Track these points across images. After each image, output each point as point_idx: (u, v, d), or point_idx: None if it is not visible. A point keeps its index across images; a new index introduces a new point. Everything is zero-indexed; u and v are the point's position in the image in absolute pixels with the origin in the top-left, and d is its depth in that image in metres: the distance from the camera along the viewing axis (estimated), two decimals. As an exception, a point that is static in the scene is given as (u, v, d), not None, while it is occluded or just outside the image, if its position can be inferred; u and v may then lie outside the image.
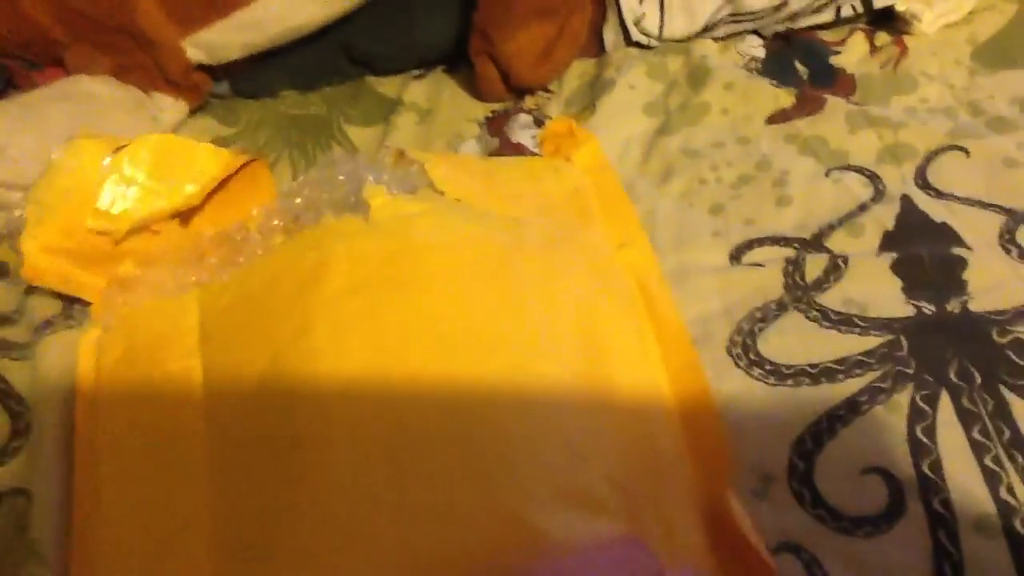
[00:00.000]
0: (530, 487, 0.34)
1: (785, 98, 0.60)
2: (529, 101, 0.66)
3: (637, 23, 0.67)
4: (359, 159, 0.49)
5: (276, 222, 0.46)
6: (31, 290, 0.52)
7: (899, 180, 0.53)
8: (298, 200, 0.47)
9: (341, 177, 0.46)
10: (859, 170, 0.53)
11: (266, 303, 0.42)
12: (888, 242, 0.49)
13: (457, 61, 0.69)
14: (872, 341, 0.44)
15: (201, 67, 0.67)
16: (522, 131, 0.62)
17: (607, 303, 0.44)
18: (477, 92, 0.66)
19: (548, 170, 0.52)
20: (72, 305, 0.51)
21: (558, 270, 0.44)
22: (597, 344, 0.41)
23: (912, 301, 0.45)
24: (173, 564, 0.36)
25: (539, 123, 0.63)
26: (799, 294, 0.46)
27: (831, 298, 0.46)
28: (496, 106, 0.66)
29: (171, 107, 0.67)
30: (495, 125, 0.63)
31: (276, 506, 0.35)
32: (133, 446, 0.40)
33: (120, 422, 0.41)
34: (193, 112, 0.69)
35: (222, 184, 0.50)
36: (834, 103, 0.58)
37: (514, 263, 0.42)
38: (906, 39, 0.64)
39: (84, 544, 0.38)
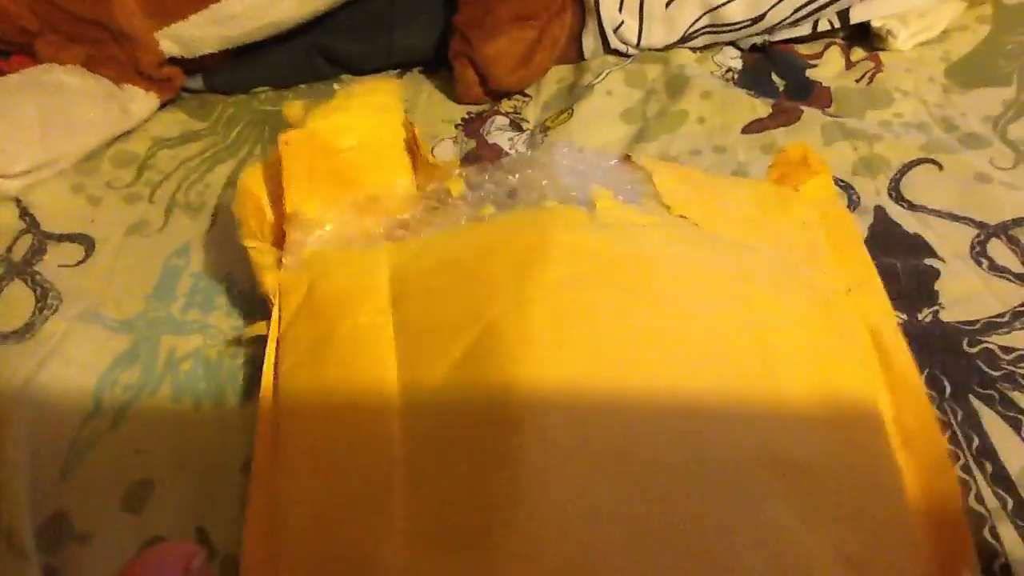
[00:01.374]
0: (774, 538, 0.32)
1: (761, 108, 0.60)
2: (506, 104, 0.65)
3: (616, 31, 0.67)
4: (587, 154, 0.47)
5: (485, 192, 0.44)
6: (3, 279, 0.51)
7: (873, 192, 0.53)
8: (515, 176, 0.45)
9: (565, 163, 0.45)
10: (834, 181, 0.53)
11: (477, 273, 0.39)
12: (863, 252, 0.49)
13: (434, 63, 0.69)
14: (846, 350, 0.43)
15: (175, 61, 0.66)
16: (499, 133, 0.62)
17: (839, 350, 0.41)
18: (454, 94, 0.66)
19: (777, 198, 0.49)
20: (47, 297, 0.50)
21: (789, 306, 0.41)
22: (832, 394, 0.38)
23: (886, 310, 0.45)
24: (362, 519, 0.34)
25: (516, 126, 0.63)
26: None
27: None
28: (473, 108, 0.65)
29: (142, 99, 0.66)
30: (472, 127, 0.63)
31: (488, 491, 0.32)
32: (316, 401, 0.38)
33: (302, 374, 0.39)
34: (164, 106, 0.68)
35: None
36: (810, 114, 0.59)
37: (744, 293, 0.40)
38: (881, 55, 0.65)
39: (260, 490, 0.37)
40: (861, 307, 0.44)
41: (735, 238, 0.45)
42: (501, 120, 0.63)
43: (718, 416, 0.35)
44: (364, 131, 0.46)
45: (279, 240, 0.46)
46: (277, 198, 0.46)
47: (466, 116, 0.65)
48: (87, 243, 0.55)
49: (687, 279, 0.41)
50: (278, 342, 0.41)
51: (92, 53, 0.64)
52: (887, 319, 0.44)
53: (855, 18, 0.65)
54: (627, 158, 0.49)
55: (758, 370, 0.37)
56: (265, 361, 0.40)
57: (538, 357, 0.35)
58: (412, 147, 0.48)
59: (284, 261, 0.43)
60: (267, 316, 0.44)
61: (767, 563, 0.31)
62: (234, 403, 0.45)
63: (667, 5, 0.66)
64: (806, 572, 0.31)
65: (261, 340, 0.44)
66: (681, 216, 0.46)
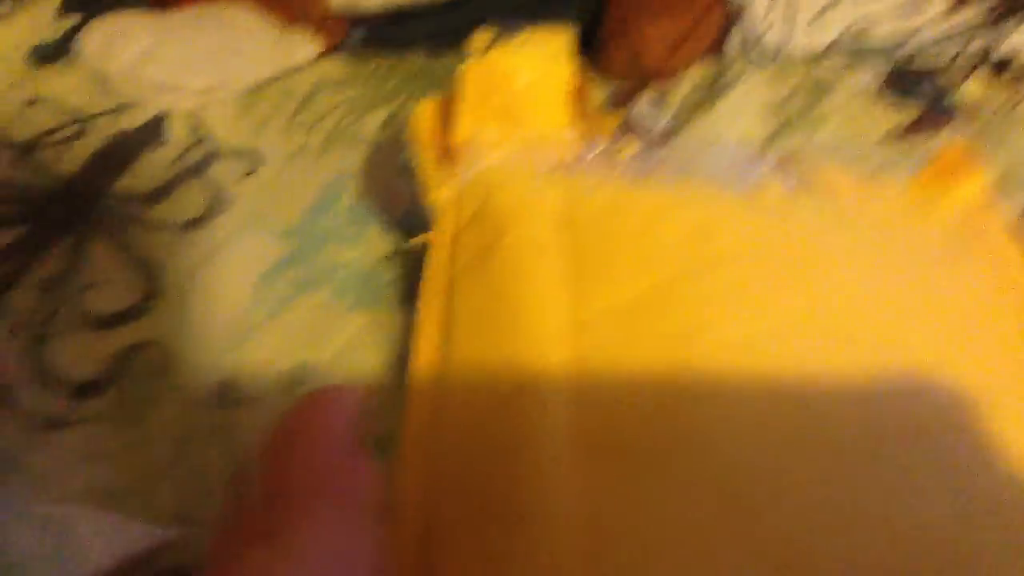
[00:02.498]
0: None
1: (905, 116, 0.62)
2: (650, 89, 0.68)
3: (760, 38, 0.69)
4: (750, 149, 0.50)
5: (654, 161, 0.47)
6: (177, 180, 0.55)
7: (1012, 210, 0.54)
8: (680, 153, 0.48)
9: (731, 151, 0.48)
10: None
11: (648, 229, 0.41)
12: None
13: (584, 43, 0.72)
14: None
15: (342, 15, 0.70)
16: (642, 111, 0.65)
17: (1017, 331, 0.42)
18: (602, 71, 0.69)
19: (929, 198, 0.50)
20: (219, 197, 0.54)
21: (965, 283, 0.43)
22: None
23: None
24: (522, 418, 0.35)
25: (659, 108, 0.66)
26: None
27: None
28: (617, 86, 0.68)
29: (306, 44, 0.69)
30: (620, 98, 0.66)
31: (666, 419, 0.34)
32: (480, 297, 0.40)
33: (469, 276, 0.41)
34: (324, 54, 0.72)
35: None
36: (953, 127, 0.60)
37: (922, 274, 0.43)
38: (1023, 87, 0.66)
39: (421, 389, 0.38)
40: (1018, 302, 0.45)
41: (897, 227, 0.47)
42: (645, 101, 0.66)
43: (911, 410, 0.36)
44: (538, 73, 0.49)
45: (448, 169, 0.49)
46: (445, 133, 0.49)
47: (611, 92, 0.67)
48: (254, 158, 0.59)
49: (855, 259, 0.42)
50: (450, 248, 0.43)
51: (266, -4, 0.69)
52: None
53: (1004, 48, 0.66)
54: (789, 156, 0.52)
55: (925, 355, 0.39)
56: (431, 263, 0.43)
57: (714, 321, 0.37)
58: (578, 97, 0.51)
59: (456, 177, 0.46)
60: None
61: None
62: (390, 308, 0.48)
63: (812, 20, 0.68)
64: None
65: (416, 257, 0.47)
66: (844, 208, 0.48)
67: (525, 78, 0.50)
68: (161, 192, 0.55)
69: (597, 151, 0.49)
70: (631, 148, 0.49)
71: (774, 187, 0.46)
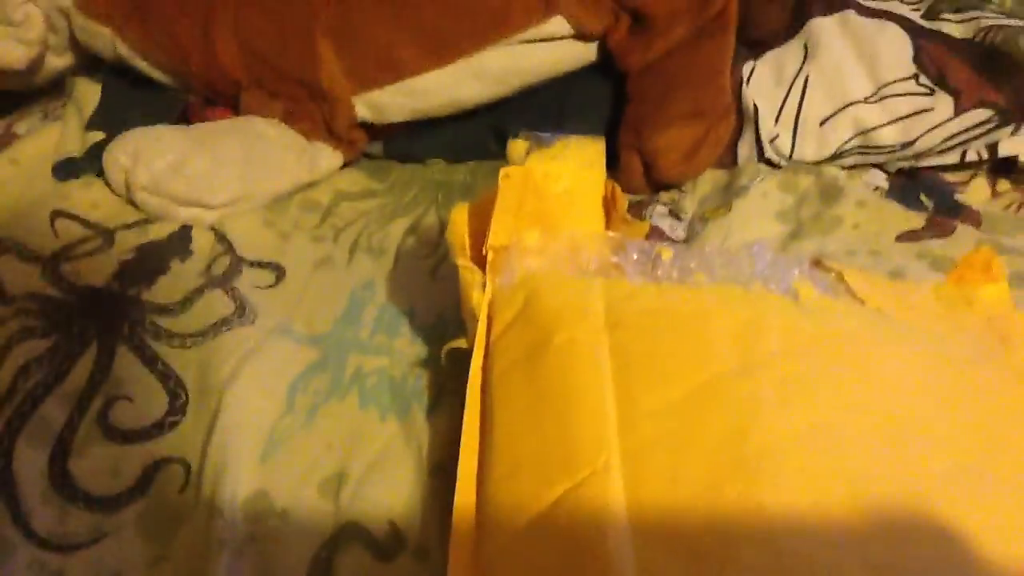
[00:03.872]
0: None
1: (915, 220, 0.63)
2: (664, 196, 0.70)
3: (771, 142, 0.71)
4: (781, 255, 0.51)
5: (693, 264, 0.47)
6: (201, 291, 0.56)
7: (1027, 303, 0.55)
8: (719, 257, 0.48)
9: (767, 258, 0.48)
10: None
11: (695, 328, 0.42)
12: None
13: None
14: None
15: (362, 125, 0.72)
16: (659, 219, 0.66)
17: None
18: (617, 182, 0.70)
19: (959, 297, 0.51)
20: (245, 308, 0.54)
21: (991, 384, 0.44)
22: None
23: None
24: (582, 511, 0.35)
25: (674, 215, 0.67)
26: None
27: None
28: (633, 197, 0.70)
29: (329, 156, 0.71)
30: (633, 212, 0.67)
31: (722, 514, 0.34)
32: (530, 402, 0.40)
33: (516, 376, 0.41)
34: (345, 165, 0.73)
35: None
36: (964, 229, 0.62)
37: (951, 375, 0.43)
38: (1027, 189, 0.68)
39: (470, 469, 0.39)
40: None
41: (927, 328, 0.48)
42: (661, 208, 0.68)
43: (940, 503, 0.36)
44: (573, 180, 0.50)
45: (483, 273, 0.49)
46: (479, 237, 0.50)
47: (628, 203, 0.69)
48: (279, 270, 0.59)
49: (892, 358, 0.43)
50: (487, 350, 0.43)
51: (290, 109, 0.70)
52: None
53: (1003, 151, 0.68)
54: (817, 261, 0.52)
55: (968, 458, 0.39)
56: (472, 362, 0.42)
57: (767, 416, 0.37)
58: (608, 204, 0.52)
59: (496, 281, 0.46)
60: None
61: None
62: (421, 416, 0.47)
63: (821, 123, 0.70)
64: None
65: (445, 366, 0.47)
66: (877, 309, 0.48)
67: (563, 184, 0.51)
68: (186, 303, 0.55)
69: (634, 256, 0.49)
70: (668, 253, 0.50)
71: (809, 288, 0.47)
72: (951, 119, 0.69)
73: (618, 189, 0.52)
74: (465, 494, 0.38)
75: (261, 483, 0.43)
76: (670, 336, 0.42)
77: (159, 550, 0.41)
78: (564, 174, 0.50)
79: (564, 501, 0.35)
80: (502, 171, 0.49)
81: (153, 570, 0.40)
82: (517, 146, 0.52)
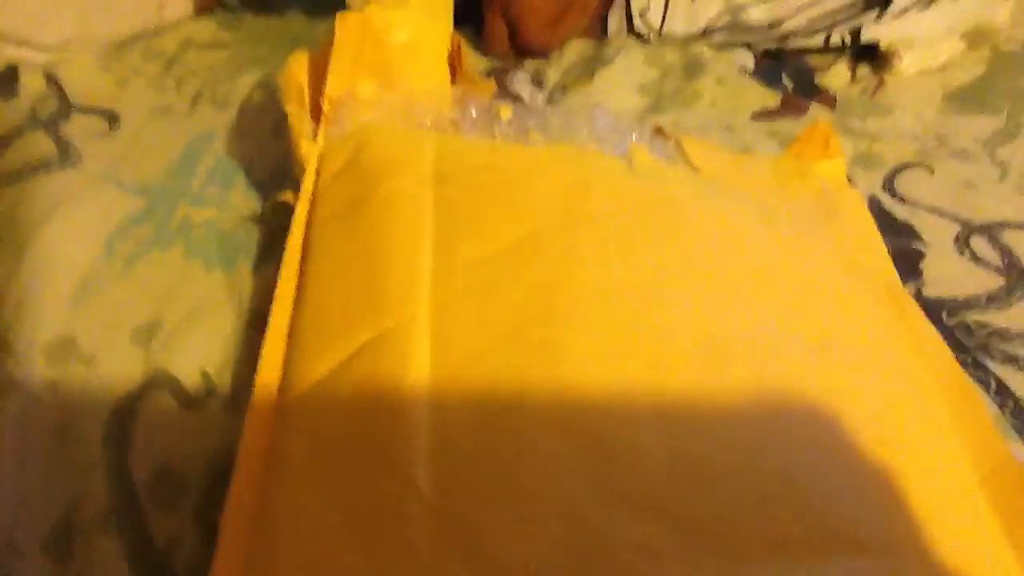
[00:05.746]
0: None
1: (771, 99, 0.64)
2: (528, 65, 0.68)
3: (642, 14, 0.70)
4: (621, 120, 0.50)
5: (531, 123, 0.46)
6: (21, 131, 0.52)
7: (868, 183, 0.56)
8: (556, 118, 0.47)
9: (603, 120, 0.47)
10: (834, 170, 0.57)
11: (523, 185, 0.41)
12: (856, 234, 0.52)
13: (463, 17, 0.71)
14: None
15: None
16: (521, 86, 0.64)
17: (866, 300, 0.43)
18: (482, 47, 0.68)
19: (795, 170, 0.52)
20: (68, 152, 0.51)
21: (812, 255, 0.44)
22: (861, 342, 0.40)
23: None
24: (385, 358, 0.34)
25: (536, 83, 0.65)
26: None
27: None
28: (497, 63, 0.68)
29: (178, 2, 0.67)
30: (496, 78, 0.65)
31: (524, 354, 0.34)
32: (347, 251, 0.39)
33: (336, 226, 0.40)
34: (198, 13, 0.69)
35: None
36: (816, 110, 0.62)
37: (770, 241, 0.43)
38: (885, 76, 0.69)
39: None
40: (876, 266, 0.47)
41: (758, 198, 0.48)
42: (523, 75, 0.66)
43: (747, 360, 0.37)
44: (416, 31, 0.48)
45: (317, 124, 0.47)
46: (318, 87, 0.48)
47: (490, 68, 0.67)
48: (111, 118, 0.56)
49: (715, 226, 0.43)
50: (312, 200, 0.42)
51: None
52: (895, 280, 0.47)
53: (866, 37, 0.69)
54: (659, 129, 0.52)
55: (789, 315, 0.39)
56: (296, 212, 0.41)
57: (582, 270, 0.37)
58: (454, 60, 0.50)
59: (327, 131, 0.45)
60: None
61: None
62: (246, 269, 0.46)
63: (688, 2, 0.70)
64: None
65: (276, 220, 0.45)
66: (711, 178, 0.48)
67: (403, 34, 0.49)
68: (3, 142, 0.51)
69: (473, 113, 0.48)
70: (507, 112, 0.49)
71: (644, 153, 0.46)
72: (818, 2, 0.69)
73: (464, 46, 0.50)
74: (273, 345, 0.37)
75: (68, 328, 0.41)
76: (496, 192, 0.41)
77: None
78: (406, 24, 0.48)
79: (365, 351, 0.35)
80: (339, 15, 0.46)
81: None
82: None
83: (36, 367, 0.39)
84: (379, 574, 0.29)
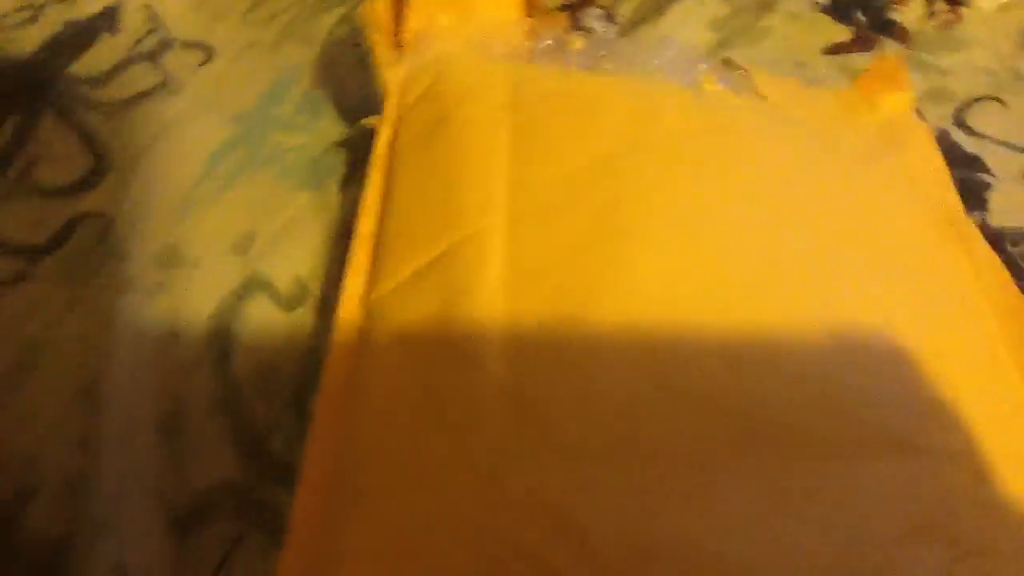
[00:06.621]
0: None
1: (843, 34, 0.64)
2: (603, 0, 0.69)
3: (714, -49, 0.71)
4: (693, 52, 0.52)
5: (602, 53, 0.48)
6: (127, 64, 0.56)
7: (937, 118, 0.57)
8: (627, 48, 0.49)
9: (674, 51, 0.49)
10: (904, 103, 0.57)
11: (594, 110, 0.43)
12: (923, 164, 0.53)
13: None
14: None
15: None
16: (593, 20, 0.66)
17: (927, 226, 0.45)
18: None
19: (862, 102, 0.53)
20: (170, 82, 0.55)
21: (874, 182, 0.46)
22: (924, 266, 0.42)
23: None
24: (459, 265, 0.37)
25: (610, 17, 0.67)
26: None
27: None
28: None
29: (266, -58, 0.70)
30: (569, 13, 0.67)
31: (595, 263, 0.36)
32: (425, 165, 0.42)
33: (416, 149, 0.43)
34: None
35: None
36: (888, 45, 0.63)
37: (836, 169, 0.45)
38: (963, 11, 0.68)
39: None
40: (940, 195, 0.48)
41: (824, 128, 0.49)
42: (595, 10, 0.67)
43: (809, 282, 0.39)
44: None
45: (399, 54, 0.50)
46: (399, 20, 0.50)
47: (563, 3, 0.69)
48: (207, 50, 0.59)
49: (781, 152, 0.44)
50: (395, 124, 0.45)
51: None
52: (960, 210, 0.48)
53: (942, -28, 0.68)
54: (727, 60, 0.53)
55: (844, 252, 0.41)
56: (380, 135, 0.44)
57: (648, 191, 0.39)
58: None
59: (408, 60, 0.47)
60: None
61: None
62: (334, 188, 0.49)
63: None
64: None
65: (361, 144, 0.48)
66: (778, 106, 0.50)
67: None
68: (112, 74, 0.55)
69: (546, 44, 0.50)
70: (579, 43, 0.51)
71: (712, 82, 0.48)
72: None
73: (538, -22, 0.52)
74: (360, 252, 0.40)
75: (174, 238, 0.45)
76: (568, 116, 0.43)
77: (74, 292, 0.44)
78: None
79: (444, 256, 0.38)
80: None
81: (67, 312, 0.43)
82: None
83: (149, 271, 0.43)
84: (456, 450, 0.32)
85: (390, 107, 0.46)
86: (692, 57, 0.50)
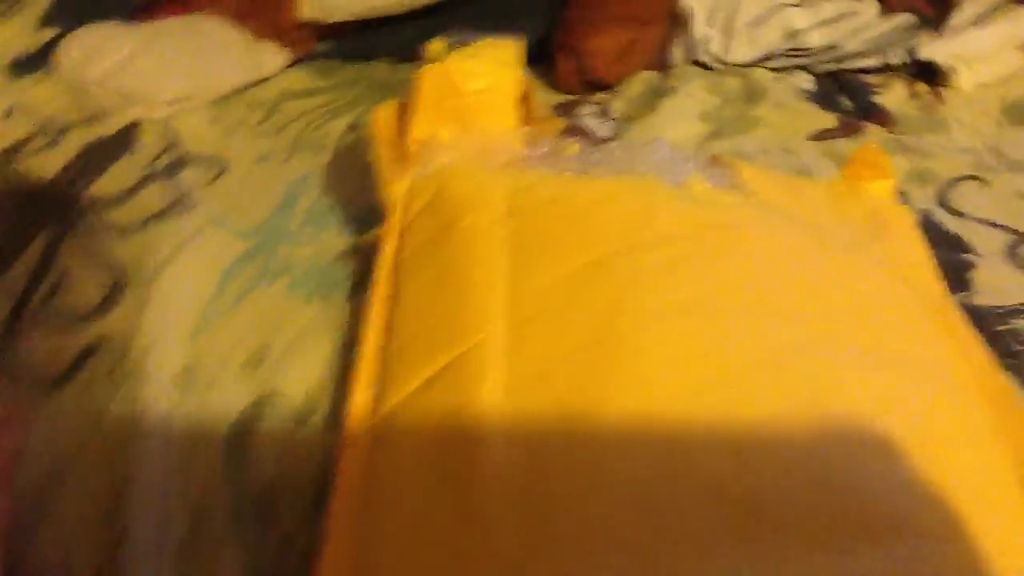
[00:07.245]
0: None
1: (828, 121, 0.67)
2: (596, 96, 0.73)
3: (704, 45, 0.74)
4: (680, 151, 0.54)
5: (595, 157, 0.51)
6: (144, 183, 0.59)
7: (921, 199, 0.59)
8: (619, 151, 0.52)
9: (663, 152, 0.52)
10: (888, 187, 0.59)
11: (590, 214, 0.45)
12: (908, 246, 0.54)
13: (537, 57, 0.76)
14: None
15: (311, 24, 0.74)
16: (588, 118, 0.69)
17: (914, 312, 0.46)
18: (553, 83, 0.73)
19: (848, 192, 0.56)
20: (184, 200, 0.58)
21: (862, 272, 0.48)
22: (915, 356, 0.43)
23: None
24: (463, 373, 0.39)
25: (604, 114, 0.70)
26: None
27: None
28: (566, 97, 0.73)
29: (276, 55, 0.74)
30: (564, 112, 0.70)
31: (596, 364, 0.38)
32: (429, 277, 0.44)
33: (421, 259, 0.45)
34: (293, 64, 0.76)
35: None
36: (872, 130, 0.65)
37: (824, 261, 0.47)
38: (943, 91, 0.71)
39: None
40: (923, 279, 0.50)
41: (812, 219, 0.51)
42: (592, 108, 0.71)
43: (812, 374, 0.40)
44: (489, 79, 0.54)
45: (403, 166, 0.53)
46: (403, 132, 0.53)
47: (559, 103, 0.72)
48: (221, 165, 0.63)
49: (772, 247, 0.47)
50: (399, 236, 0.47)
51: (240, 8, 0.73)
52: (947, 299, 0.49)
53: (924, 55, 0.71)
54: (715, 157, 0.56)
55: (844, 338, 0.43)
56: (384, 247, 0.46)
57: (646, 291, 0.41)
58: (525, 103, 0.55)
59: (411, 172, 0.50)
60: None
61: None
62: (341, 300, 0.52)
63: (752, 26, 0.73)
64: None
65: (367, 255, 0.51)
66: (766, 202, 0.52)
67: (477, 84, 0.54)
68: (129, 193, 0.58)
69: (543, 151, 0.53)
70: (574, 148, 0.53)
71: (701, 181, 0.50)
72: (875, 24, 0.71)
73: (534, 90, 0.55)
74: (365, 367, 0.43)
75: (190, 359, 0.48)
76: (565, 221, 0.46)
77: (94, 419, 0.46)
78: (481, 74, 0.53)
79: (446, 371, 0.40)
80: (420, 70, 0.52)
81: (82, 449, 0.45)
82: (435, 46, 0.55)
83: (166, 393, 0.46)
84: (477, 543, 0.34)
85: (394, 220, 0.48)
86: (680, 158, 0.53)
